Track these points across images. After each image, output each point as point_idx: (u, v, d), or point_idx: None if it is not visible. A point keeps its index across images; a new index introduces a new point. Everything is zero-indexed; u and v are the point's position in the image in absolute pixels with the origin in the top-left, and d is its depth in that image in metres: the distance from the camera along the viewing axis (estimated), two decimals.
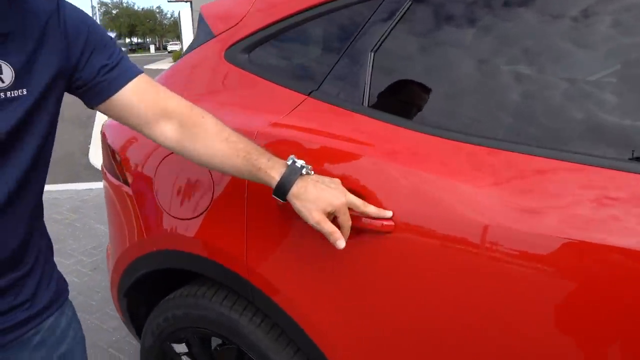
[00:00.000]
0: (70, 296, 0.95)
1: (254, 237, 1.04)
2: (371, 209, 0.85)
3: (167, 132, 0.84)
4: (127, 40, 65.74)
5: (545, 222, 0.75)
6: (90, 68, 0.77)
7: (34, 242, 0.81)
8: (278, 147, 1.01)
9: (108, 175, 1.42)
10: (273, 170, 0.82)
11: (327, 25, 1.09)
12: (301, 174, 0.82)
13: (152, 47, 52.83)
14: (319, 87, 1.06)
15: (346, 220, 0.83)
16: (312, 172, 0.85)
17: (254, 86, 1.17)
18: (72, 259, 2.85)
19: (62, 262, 2.80)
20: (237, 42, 1.23)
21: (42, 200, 0.83)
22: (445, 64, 0.97)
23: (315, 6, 1.09)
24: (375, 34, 1.00)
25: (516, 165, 0.82)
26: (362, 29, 1.02)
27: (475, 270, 0.80)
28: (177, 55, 23.55)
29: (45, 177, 0.81)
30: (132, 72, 0.81)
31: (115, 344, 2.08)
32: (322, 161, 0.95)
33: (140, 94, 0.81)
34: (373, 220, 0.87)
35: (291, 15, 1.13)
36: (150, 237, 1.24)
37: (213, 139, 0.84)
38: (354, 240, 0.89)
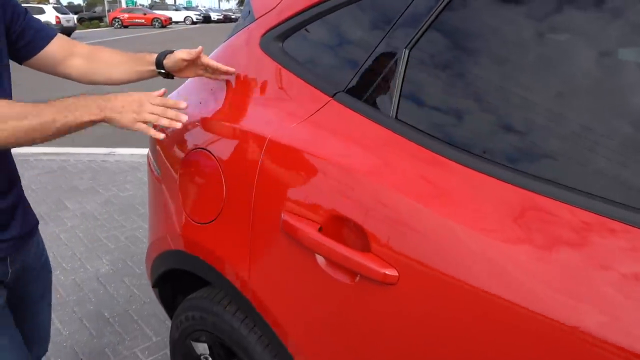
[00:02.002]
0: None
1: (257, 259, 0.92)
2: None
3: (76, 64, 1.08)
4: None
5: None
6: (20, 31, 0.99)
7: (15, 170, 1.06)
8: (285, 158, 0.87)
9: (150, 160, 1.40)
10: (149, 57, 1.11)
11: (361, 13, 0.90)
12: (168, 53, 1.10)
13: None
14: (345, 88, 0.89)
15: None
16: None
17: (282, 80, 1.03)
18: None
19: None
20: (273, 28, 1.09)
21: None
22: (499, 69, 0.74)
23: None
24: (412, 25, 0.79)
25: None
26: (399, 17, 0.82)
27: None
28: None
29: None
30: (52, 30, 1.07)
31: None
32: (325, 183, 0.79)
33: (58, 45, 1.06)
34: (375, 268, 0.70)
35: (325, 0, 0.95)
36: (170, 234, 1.19)
37: (109, 67, 1.11)
38: (355, 286, 0.74)
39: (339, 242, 0.75)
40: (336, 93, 0.89)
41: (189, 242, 1.11)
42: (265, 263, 0.91)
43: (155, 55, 1.10)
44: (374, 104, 0.84)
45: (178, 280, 1.40)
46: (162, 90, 0.97)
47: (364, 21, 0.89)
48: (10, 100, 0.87)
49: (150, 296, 2.31)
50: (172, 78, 1.14)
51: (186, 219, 1.11)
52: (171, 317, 1.51)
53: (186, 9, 39.57)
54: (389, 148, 0.77)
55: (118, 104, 0.89)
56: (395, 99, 0.81)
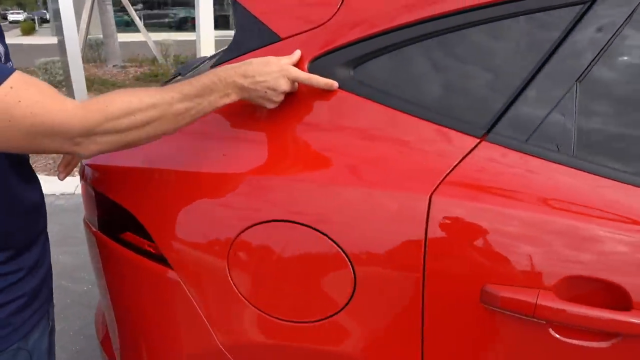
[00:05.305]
0: None
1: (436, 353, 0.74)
2: None
3: None
4: None
5: None
6: None
7: None
8: (469, 219, 0.71)
9: (116, 246, 0.95)
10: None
11: (498, 34, 0.79)
12: None
13: None
14: (491, 128, 0.77)
15: None
16: None
17: (372, 116, 0.82)
18: None
19: None
20: (332, 50, 0.85)
21: None
22: None
23: (485, 5, 0.78)
24: (583, 51, 0.74)
25: None
26: (562, 40, 0.75)
27: None
28: (26, 28, 19.22)
29: None
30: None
31: None
32: (544, 243, 0.69)
33: None
34: None
35: (436, 18, 0.80)
36: (227, 344, 0.84)
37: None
38: (613, 347, 0.67)
39: (589, 306, 0.66)
40: (487, 132, 0.77)
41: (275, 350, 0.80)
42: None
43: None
44: (549, 145, 0.75)
45: None
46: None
47: (509, 43, 0.78)
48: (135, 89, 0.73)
49: None
50: None
51: (265, 316, 0.80)
52: None
53: None
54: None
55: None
56: (574, 138, 0.74)
